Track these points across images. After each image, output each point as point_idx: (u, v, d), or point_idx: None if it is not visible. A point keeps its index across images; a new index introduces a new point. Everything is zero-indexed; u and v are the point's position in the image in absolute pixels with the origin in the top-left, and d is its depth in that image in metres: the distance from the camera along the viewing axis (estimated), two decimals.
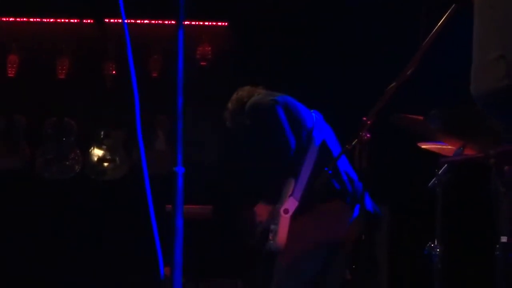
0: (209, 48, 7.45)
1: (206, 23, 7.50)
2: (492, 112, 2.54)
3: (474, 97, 2.38)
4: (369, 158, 3.78)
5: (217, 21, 7.55)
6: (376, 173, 4.10)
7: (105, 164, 7.42)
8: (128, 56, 2.60)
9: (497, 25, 2.31)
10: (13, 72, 7.46)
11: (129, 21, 2.52)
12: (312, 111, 4.58)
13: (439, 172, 4.11)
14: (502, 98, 2.29)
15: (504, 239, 2.76)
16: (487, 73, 2.32)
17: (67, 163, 7.40)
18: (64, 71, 7.41)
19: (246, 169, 5.03)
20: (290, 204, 4.26)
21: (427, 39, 3.50)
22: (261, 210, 4.55)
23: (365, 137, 3.80)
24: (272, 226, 4.36)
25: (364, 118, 3.82)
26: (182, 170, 2.44)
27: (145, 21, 7.52)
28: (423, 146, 4.30)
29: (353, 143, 3.83)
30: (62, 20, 7.59)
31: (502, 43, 2.29)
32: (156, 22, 7.56)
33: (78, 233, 7.20)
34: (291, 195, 4.26)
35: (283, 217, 4.26)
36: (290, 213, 4.26)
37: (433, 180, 4.13)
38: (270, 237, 4.36)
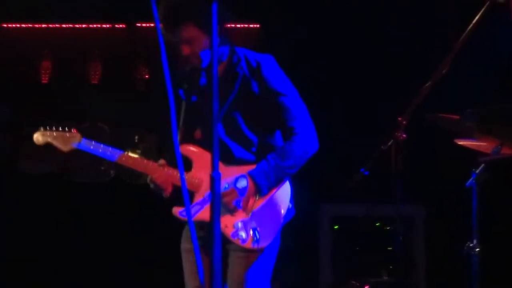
0: None
1: (238, 25, 7.45)
2: None
3: None
4: (405, 158, 3.75)
5: (249, 23, 7.50)
6: (413, 173, 4.07)
7: None
8: (162, 60, 2.60)
9: None
10: (46, 78, 7.50)
11: (161, 25, 2.52)
12: None
13: (477, 171, 4.08)
14: None
15: None
16: None
17: (102, 168, 7.43)
18: (97, 76, 7.44)
19: None
20: None
21: (462, 37, 3.47)
22: None
23: (401, 137, 3.78)
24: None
25: (399, 118, 3.80)
26: (219, 175, 2.42)
27: None
28: (459, 143, 4.25)
29: (389, 143, 3.81)
30: (94, 26, 7.62)
31: None
32: None
33: (113, 236, 7.22)
34: None
35: None
36: None
37: (471, 179, 4.09)
38: None
